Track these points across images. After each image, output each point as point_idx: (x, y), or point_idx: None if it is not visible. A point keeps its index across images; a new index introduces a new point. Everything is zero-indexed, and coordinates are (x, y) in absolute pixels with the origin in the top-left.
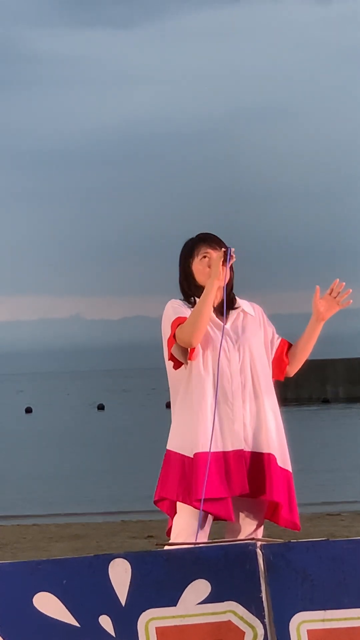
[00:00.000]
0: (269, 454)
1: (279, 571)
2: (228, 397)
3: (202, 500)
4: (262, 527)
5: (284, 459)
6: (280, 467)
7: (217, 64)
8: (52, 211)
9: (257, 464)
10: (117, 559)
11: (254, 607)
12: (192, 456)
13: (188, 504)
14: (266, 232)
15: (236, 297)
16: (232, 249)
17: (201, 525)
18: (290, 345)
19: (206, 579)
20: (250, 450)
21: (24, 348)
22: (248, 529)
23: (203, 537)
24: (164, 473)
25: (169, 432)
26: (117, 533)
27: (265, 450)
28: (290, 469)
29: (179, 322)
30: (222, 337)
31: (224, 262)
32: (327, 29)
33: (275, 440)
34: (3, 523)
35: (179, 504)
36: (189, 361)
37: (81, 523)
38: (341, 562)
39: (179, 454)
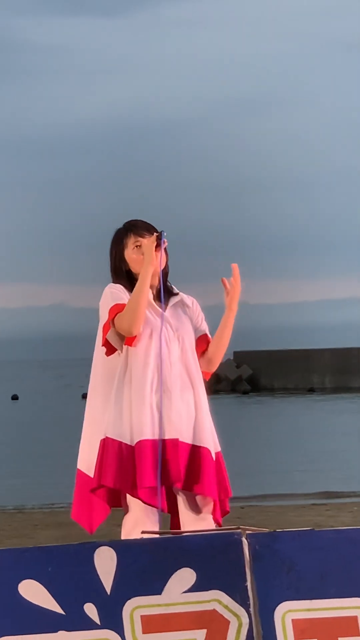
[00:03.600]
0: (204, 448)
1: (265, 560)
2: (167, 386)
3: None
4: (207, 521)
5: (215, 451)
6: (213, 462)
7: (205, 52)
8: (38, 199)
9: (191, 456)
10: (102, 547)
11: (239, 596)
12: (132, 444)
13: (126, 492)
14: (256, 222)
15: (173, 286)
16: (165, 233)
17: (151, 516)
18: (208, 342)
19: (191, 568)
20: (184, 441)
21: (10, 335)
22: (190, 522)
23: (153, 528)
24: (101, 460)
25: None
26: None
27: (199, 443)
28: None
29: (117, 309)
30: (161, 324)
31: (157, 246)
32: (315, 18)
33: (208, 433)
34: None
35: (128, 498)
36: (125, 347)
37: (66, 511)
38: (327, 552)
39: (117, 440)
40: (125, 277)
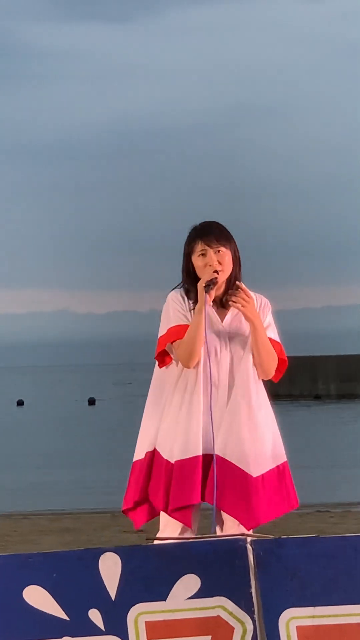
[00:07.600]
0: (239, 468)
1: (269, 567)
2: (211, 402)
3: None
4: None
5: (257, 464)
6: (249, 478)
7: (213, 59)
8: (46, 205)
9: (224, 471)
10: (107, 553)
11: (244, 603)
12: (173, 462)
13: (163, 510)
14: (261, 228)
15: (240, 289)
16: (216, 277)
17: (188, 523)
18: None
19: (196, 574)
20: (221, 456)
21: (15, 341)
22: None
23: (190, 533)
24: (150, 476)
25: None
26: (107, 527)
27: (234, 461)
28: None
29: (177, 333)
30: (218, 342)
31: (208, 287)
32: (321, 25)
33: (246, 450)
34: None
35: None
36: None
37: (72, 517)
38: (331, 559)
39: (163, 457)
40: (193, 278)
